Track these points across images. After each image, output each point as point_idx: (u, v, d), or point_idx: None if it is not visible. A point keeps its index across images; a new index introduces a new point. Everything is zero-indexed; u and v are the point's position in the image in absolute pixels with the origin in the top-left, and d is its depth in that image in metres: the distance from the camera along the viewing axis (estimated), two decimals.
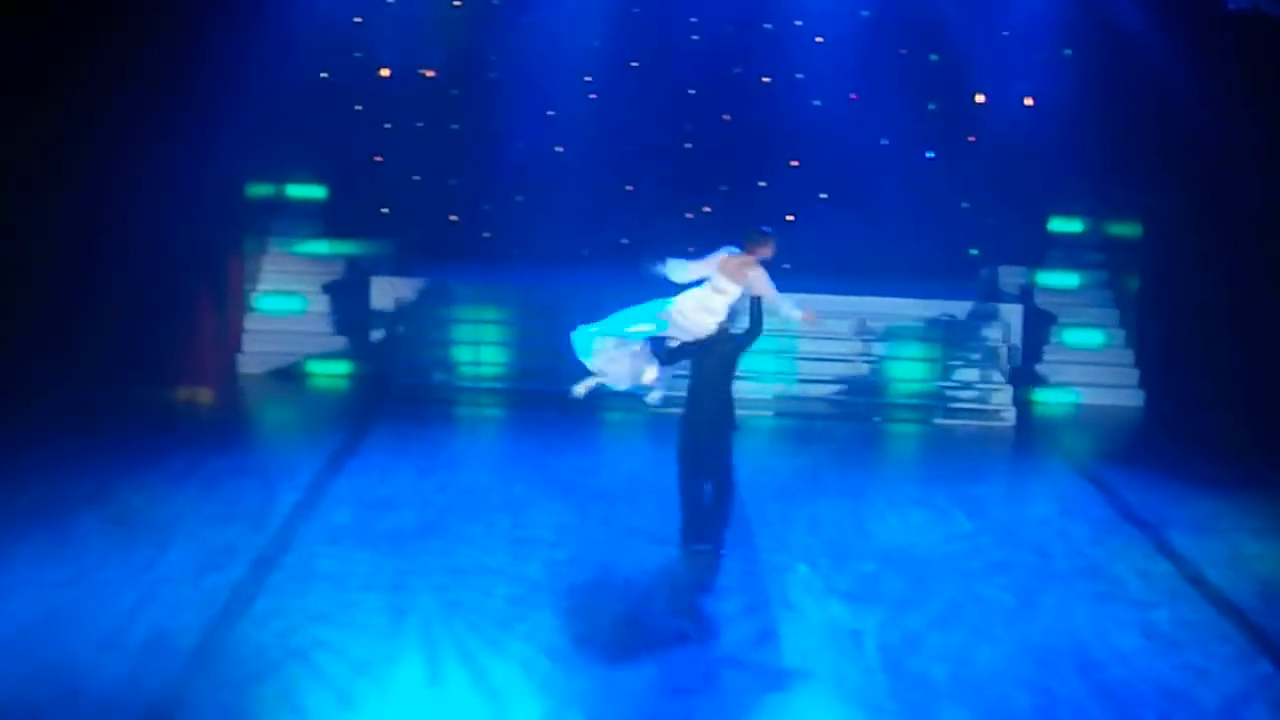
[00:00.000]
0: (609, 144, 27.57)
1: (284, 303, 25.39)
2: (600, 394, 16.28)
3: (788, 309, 15.54)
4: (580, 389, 16.00)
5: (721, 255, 15.49)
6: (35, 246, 20.42)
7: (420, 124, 27.65)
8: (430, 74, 27.64)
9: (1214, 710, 12.06)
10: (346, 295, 25.32)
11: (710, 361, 15.19)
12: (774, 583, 14.98)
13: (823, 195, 27.81)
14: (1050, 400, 24.96)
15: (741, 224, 27.08)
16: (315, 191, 27.10)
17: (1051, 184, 27.20)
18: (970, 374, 24.42)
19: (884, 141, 27.72)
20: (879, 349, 24.56)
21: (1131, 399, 25.04)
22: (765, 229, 15.64)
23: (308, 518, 16.30)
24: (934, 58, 27.67)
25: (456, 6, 27.73)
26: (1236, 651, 13.48)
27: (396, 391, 23.40)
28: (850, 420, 23.40)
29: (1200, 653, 13.36)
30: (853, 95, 27.46)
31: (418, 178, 27.70)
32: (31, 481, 16.89)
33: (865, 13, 27.42)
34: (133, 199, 21.38)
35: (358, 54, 27.29)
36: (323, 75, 26.84)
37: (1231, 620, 14.31)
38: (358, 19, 27.27)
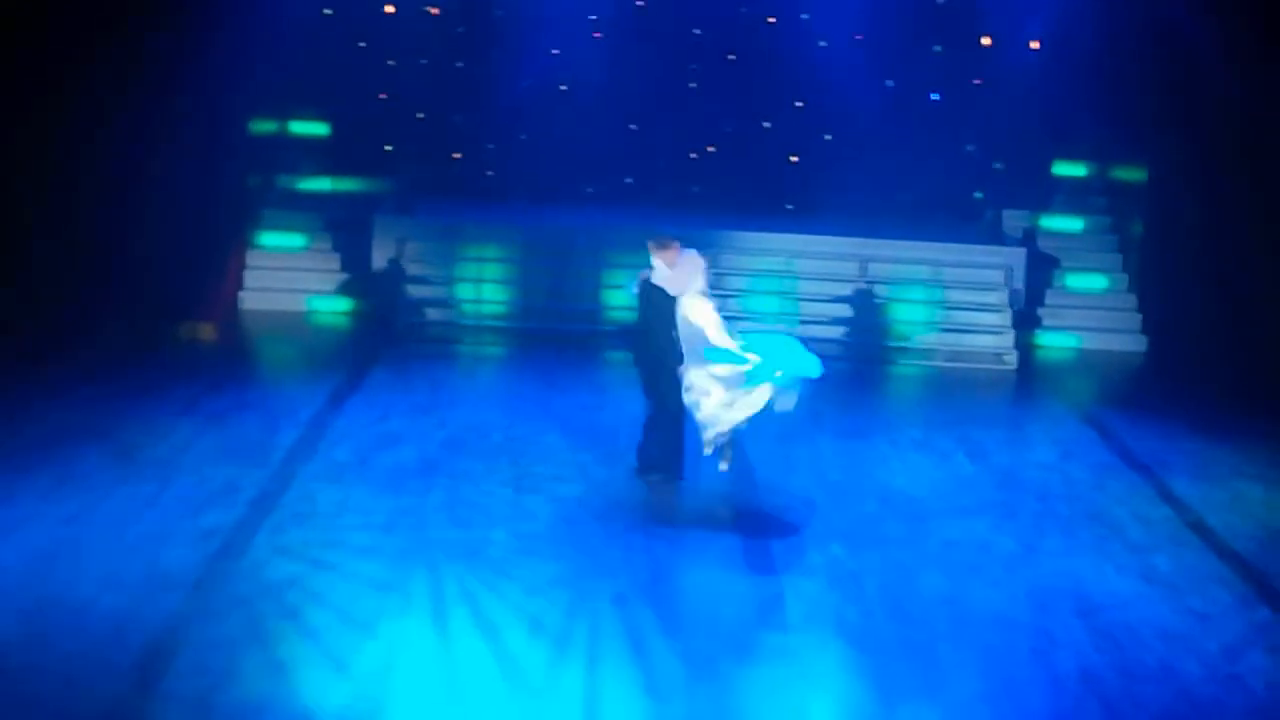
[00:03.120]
0: (613, 83, 27.43)
1: (286, 240, 25.34)
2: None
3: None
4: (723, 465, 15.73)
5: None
6: (36, 185, 20.40)
7: (424, 61, 27.53)
8: (435, 11, 27.51)
9: (1214, 655, 12.09)
10: (349, 233, 25.26)
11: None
12: (774, 523, 15.01)
13: (827, 136, 27.72)
14: (1052, 344, 24.94)
15: (744, 164, 27.35)
16: (318, 129, 27.02)
17: (1056, 128, 27.12)
18: (973, 317, 24.39)
19: (889, 83, 27.61)
20: (882, 291, 24.53)
21: (1134, 344, 25.02)
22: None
23: (308, 455, 16.32)
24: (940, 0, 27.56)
25: None
26: (1236, 597, 13.53)
27: (398, 329, 23.40)
28: (852, 362, 23.40)
29: (1200, 598, 13.39)
30: (858, 36, 27.33)
31: (421, 115, 27.60)
32: (35, 417, 16.90)
33: None
34: (135, 136, 21.33)
35: None
36: (326, 12, 26.71)
37: (1232, 565, 14.35)
38: None
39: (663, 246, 15.30)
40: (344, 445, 16.76)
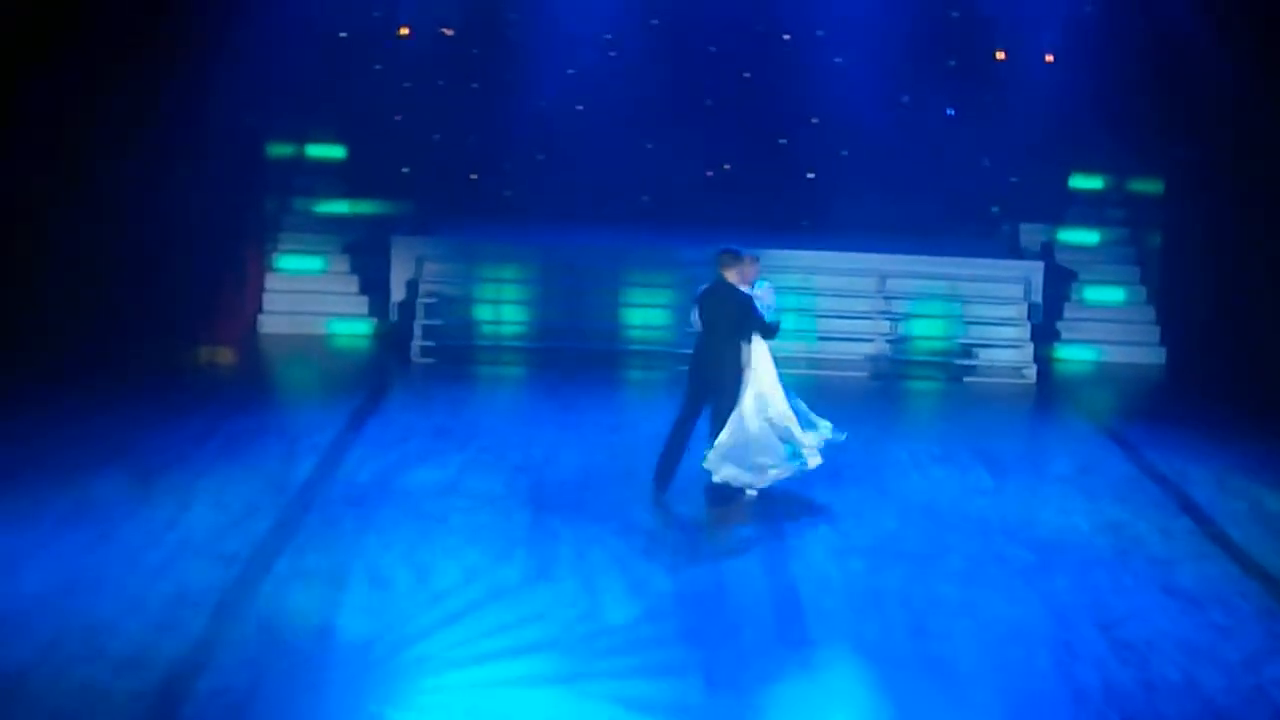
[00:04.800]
0: (629, 102, 27.46)
1: (305, 263, 25.39)
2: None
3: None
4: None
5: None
6: (57, 209, 20.45)
7: (440, 83, 27.56)
8: (450, 32, 27.56)
9: (1236, 667, 12.06)
10: (367, 255, 25.31)
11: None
12: (794, 539, 15.00)
13: (843, 153, 27.72)
14: (1071, 357, 24.91)
15: (760, 181, 27.36)
16: (335, 151, 27.07)
17: (1072, 140, 27.09)
18: (991, 331, 24.37)
19: (904, 98, 27.62)
20: (900, 306, 24.53)
21: (1152, 356, 24.99)
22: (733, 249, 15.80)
23: (328, 478, 16.34)
24: (955, 14, 27.54)
25: None
26: (1258, 608, 13.49)
27: (416, 350, 23.41)
28: (870, 377, 23.42)
29: (1222, 610, 13.35)
30: (872, 52, 27.32)
31: (438, 137, 27.65)
32: (54, 443, 16.92)
33: None
34: (154, 159, 21.38)
35: (377, 13, 27.21)
36: (342, 35, 26.78)
37: (1254, 577, 14.31)
38: None
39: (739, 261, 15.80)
40: (364, 468, 16.77)
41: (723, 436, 15.62)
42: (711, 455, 15.71)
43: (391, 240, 24.92)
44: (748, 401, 15.72)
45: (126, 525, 14.27)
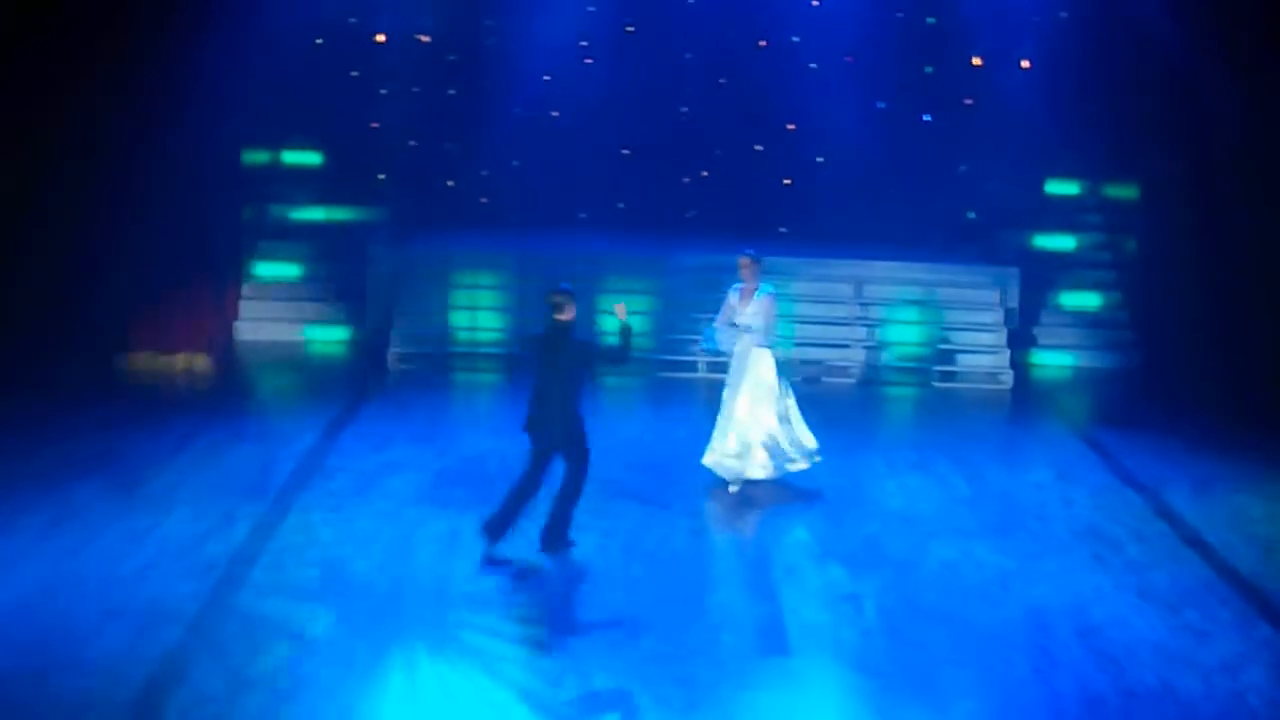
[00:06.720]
0: (605, 109, 27.47)
1: (281, 270, 25.35)
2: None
3: None
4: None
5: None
6: (35, 217, 20.42)
7: (416, 89, 27.55)
8: (426, 39, 27.54)
9: (1213, 672, 12.10)
10: (343, 262, 25.28)
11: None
12: (773, 546, 15.02)
13: (819, 159, 27.75)
14: (1047, 363, 24.94)
15: (737, 187, 27.38)
16: (311, 158, 27.02)
17: (1048, 147, 27.10)
18: (967, 337, 24.39)
19: (880, 105, 27.65)
20: (876, 312, 24.54)
21: (1129, 361, 25.02)
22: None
23: (306, 485, 16.31)
24: (931, 20, 27.58)
25: None
26: (1235, 613, 13.52)
27: (394, 357, 23.38)
28: (848, 383, 23.42)
29: (1199, 615, 13.40)
30: (849, 58, 27.37)
31: (414, 143, 27.62)
32: (32, 452, 16.89)
33: None
34: (129, 167, 21.35)
35: (353, 19, 27.16)
36: (318, 41, 26.72)
37: (1230, 582, 14.35)
38: None
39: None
40: (341, 475, 16.75)
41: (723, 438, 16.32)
42: (709, 455, 16.09)
43: (368, 247, 24.90)
44: (744, 405, 15.97)
45: (106, 533, 14.25)
